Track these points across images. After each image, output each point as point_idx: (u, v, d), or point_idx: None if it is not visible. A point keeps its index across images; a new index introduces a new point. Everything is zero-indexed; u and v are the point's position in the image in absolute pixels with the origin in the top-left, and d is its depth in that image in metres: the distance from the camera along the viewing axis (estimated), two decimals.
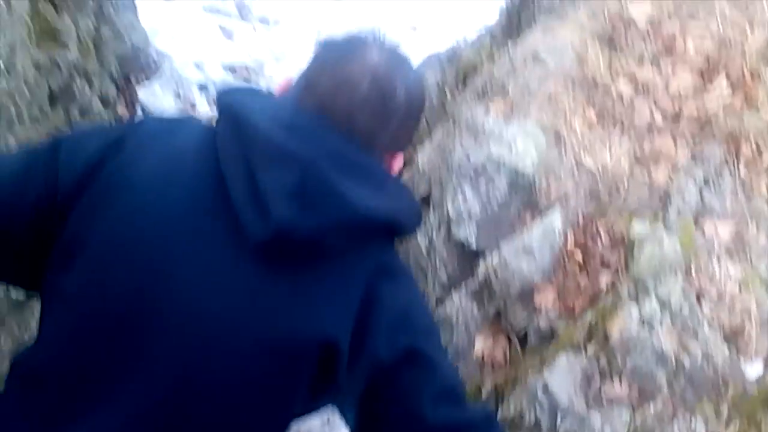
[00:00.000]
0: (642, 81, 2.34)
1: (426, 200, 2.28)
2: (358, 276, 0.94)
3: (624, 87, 2.30)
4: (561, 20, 2.62)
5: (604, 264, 1.84)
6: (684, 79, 2.36)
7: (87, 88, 3.04)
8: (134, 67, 4.29)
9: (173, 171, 0.96)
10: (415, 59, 5.62)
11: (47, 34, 2.53)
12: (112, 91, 3.64)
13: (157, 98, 4.48)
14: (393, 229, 0.99)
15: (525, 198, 1.94)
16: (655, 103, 2.28)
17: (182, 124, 1.03)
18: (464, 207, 1.94)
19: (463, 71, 3.07)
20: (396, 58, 1.02)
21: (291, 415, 0.95)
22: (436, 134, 2.43)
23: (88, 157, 0.97)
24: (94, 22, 3.35)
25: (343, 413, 1.01)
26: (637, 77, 2.36)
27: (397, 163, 1.05)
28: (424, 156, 2.41)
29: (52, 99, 2.67)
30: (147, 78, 4.52)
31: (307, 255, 0.92)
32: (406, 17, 6.88)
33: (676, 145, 2.14)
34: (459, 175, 1.98)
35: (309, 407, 0.98)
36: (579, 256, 1.87)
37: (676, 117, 2.23)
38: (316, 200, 0.90)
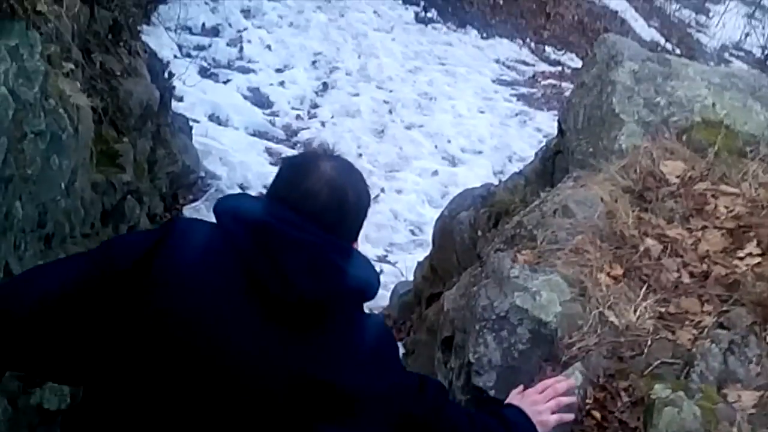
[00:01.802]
0: (671, 239, 2.36)
1: (449, 342, 2.30)
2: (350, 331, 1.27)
3: (652, 244, 2.33)
4: (593, 173, 2.70)
5: (622, 425, 1.81)
6: (713, 240, 2.38)
7: (137, 206, 3.19)
8: (183, 185, 4.49)
9: (206, 260, 1.26)
10: (452, 191, 5.72)
11: (107, 157, 2.71)
12: (159, 209, 3.80)
13: (200, 217, 4.65)
14: (366, 292, 1.28)
15: (546, 350, 1.95)
16: (683, 262, 2.29)
17: (201, 224, 1.36)
18: (485, 355, 1.95)
19: (495, 213, 3.15)
20: (344, 168, 1.33)
21: None
22: (464, 277, 2.48)
23: (137, 253, 1.25)
24: (151, 143, 3.55)
25: None
26: (666, 235, 2.38)
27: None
28: (451, 297, 2.44)
29: (104, 216, 2.80)
30: (194, 197, 4.71)
31: (317, 317, 1.22)
32: (444, 150, 7.11)
33: (702, 306, 2.14)
34: (482, 322, 2.00)
35: None
36: (597, 415, 1.84)
37: (704, 278, 2.23)
38: (325, 273, 1.21)
